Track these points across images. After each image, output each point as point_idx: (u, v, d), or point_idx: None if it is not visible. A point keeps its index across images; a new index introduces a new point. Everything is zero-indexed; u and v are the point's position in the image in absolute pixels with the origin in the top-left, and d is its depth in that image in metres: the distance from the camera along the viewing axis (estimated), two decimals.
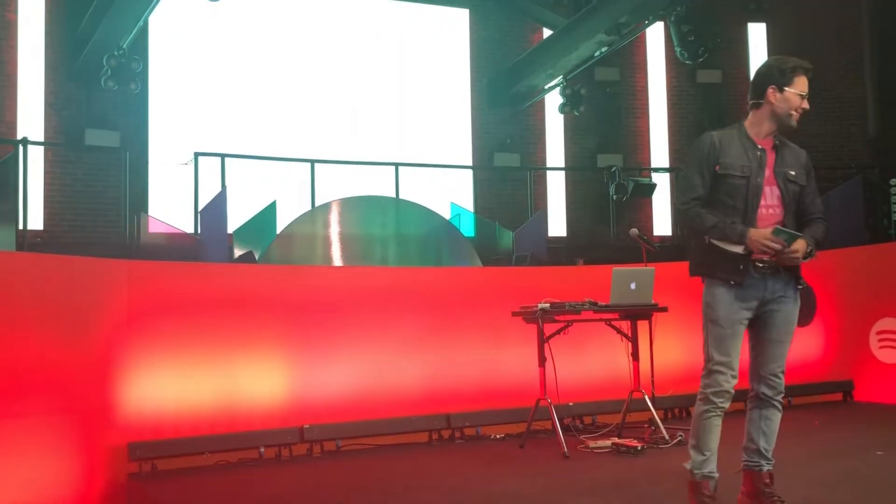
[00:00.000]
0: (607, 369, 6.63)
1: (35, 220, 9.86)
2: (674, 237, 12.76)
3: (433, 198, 10.73)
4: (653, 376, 6.16)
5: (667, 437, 5.73)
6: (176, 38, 11.05)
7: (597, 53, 11.04)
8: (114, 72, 9.77)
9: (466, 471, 5.27)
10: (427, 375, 6.39)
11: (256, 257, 8.32)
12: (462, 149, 12.49)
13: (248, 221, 9.05)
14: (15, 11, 10.28)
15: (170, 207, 10.32)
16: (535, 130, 12.90)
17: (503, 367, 6.57)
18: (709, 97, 13.27)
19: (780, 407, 3.73)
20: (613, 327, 6.08)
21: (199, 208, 9.33)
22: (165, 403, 5.46)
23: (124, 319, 5.32)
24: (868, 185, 11.65)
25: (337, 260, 8.92)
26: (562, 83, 11.99)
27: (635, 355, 6.06)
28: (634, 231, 6.50)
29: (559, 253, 11.27)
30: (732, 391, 3.65)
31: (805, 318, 3.94)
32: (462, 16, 12.78)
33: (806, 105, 3.67)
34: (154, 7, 9.30)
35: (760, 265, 3.60)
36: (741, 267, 3.59)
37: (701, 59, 10.69)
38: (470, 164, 12.43)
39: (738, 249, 3.57)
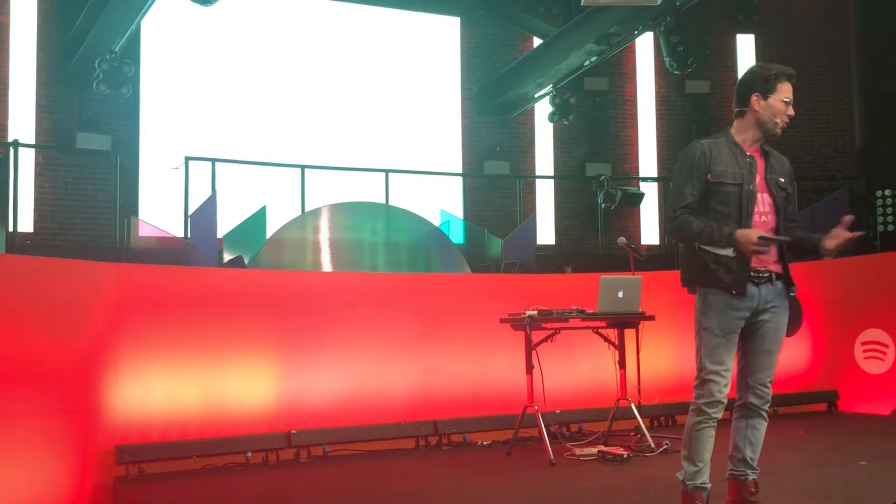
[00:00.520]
0: (594, 377, 6.66)
1: (25, 222, 9.84)
2: (661, 246, 12.83)
3: (423, 204, 10.76)
4: (639, 384, 6.20)
5: (653, 445, 5.75)
6: (168, 43, 11.05)
7: (586, 63, 11.10)
8: (106, 75, 9.76)
9: (452, 478, 5.29)
10: (415, 382, 6.41)
11: (246, 262, 8.33)
12: (452, 156, 12.53)
13: (238, 226, 9.06)
14: (7, 14, 10.26)
15: (160, 211, 10.32)
16: (524, 139, 12.95)
17: (491, 374, 6.59)
18: (697, 107, 13.36)
19: (766, 416, 3.74)
20: (601, 335, 6.11)
21: (190, 212, 9.33)
22: (153, 407, 5.46)
23: (113, 322, 5.32)
24: (854, 196, 11.75)
25: (326, 265, 8.94)
26: (551, 92, 12.04)
27: (622, 363, 6.09)
28: (622, 240, 6.55)
29: (548, 261, 11.31)
30: (725, 400, 3.65)
31: (791, 328, 3.96)
32: (453, 24, 12.83)
33: (791, 111, 3.67)
34: (146, 11, 9.30)
35: (754, 274, 3.63)
36: (741, 276, 3.59)
37: (689, 70, 10.76)
38: (460, 171, 12.47)
39: (728, 252, 3.57)
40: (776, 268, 3.70)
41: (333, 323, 6.18)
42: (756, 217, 3.65)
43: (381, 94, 12.12)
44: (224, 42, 11.32)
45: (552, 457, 5.47)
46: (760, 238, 3.47)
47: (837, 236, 3.61)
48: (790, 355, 7.21)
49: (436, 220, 10.92)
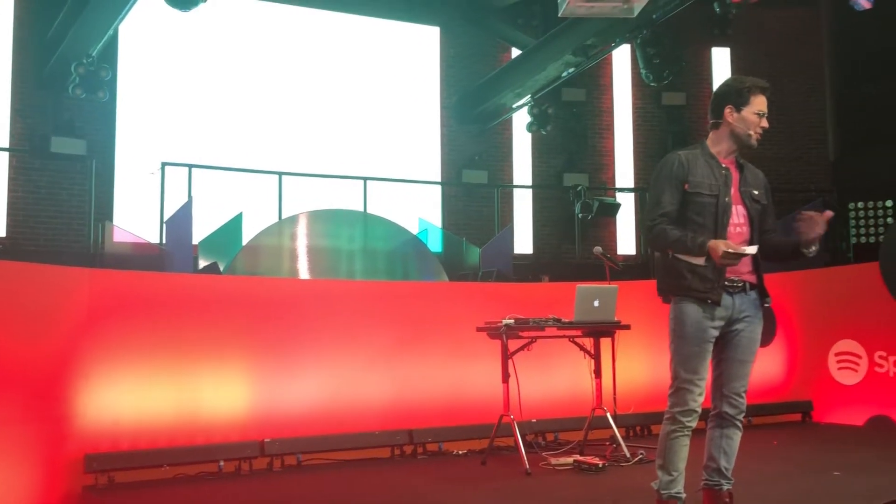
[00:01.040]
0: (570, 386, 6.67)
1: None
2: (637, 256, 12.89)
3: (401, 213, 10.73)
4: (615, 394, 6.21)
5: (628, 454, 5.77)
6: (146, 48, 10.97)
7: (564, 74, 11.16)
8: (82, 80, 9.66)
9: (427, 487, 5.26)
10: (390, 390, 6.38)
11: (221, 269, 8.26)
12: (431, 165, 12.52)
13: (214, 232, 8.98)
14: None
15: (135, 217, 10.22)
16: (502, 148, 12.97)
17: (467, 383, 6.57)
18: (673, 119, 13.46)
19: (740, 426, 3.76)
20: (577, 344, 6.12)
21: (165, 218, 9.25)
22: (124, 414, 5.39)
23: (84, 328, 5.26)
24: (827, 208, 11.83)
25: (303, 273, 8.88)
26: (530, 102, 12.09)
27: (598, 372, 6.10)
28: (598, 249, 6.57)
29: (525, 270, 11.32)
30: (699, 409, 3.67)
31: (764, 339, 3.99)
32: (433, 34, 12.84)
33: (765, 123, 3.72)
34: (125, 16, 9.22)
35: (728, 284, 3.65)
36: (715, 285, 3.61)
37: (666, 82, 10.84)
38: (438, 179, 12.47)
39: (700, 261, 3.60)
40: (750, 278, 3.73)
41: (309, 330, 6.14)
42: (731, 228, 3.69)
43: (361, 102, 12.10)
44: (202, 48, 11.26)
45: (528, 466, 5.46)
46: (725, 253, 3.49)
47: (811, 218, 3.63)
48: (764, 366, 7.27)
49: (414, 229, 10.90)
